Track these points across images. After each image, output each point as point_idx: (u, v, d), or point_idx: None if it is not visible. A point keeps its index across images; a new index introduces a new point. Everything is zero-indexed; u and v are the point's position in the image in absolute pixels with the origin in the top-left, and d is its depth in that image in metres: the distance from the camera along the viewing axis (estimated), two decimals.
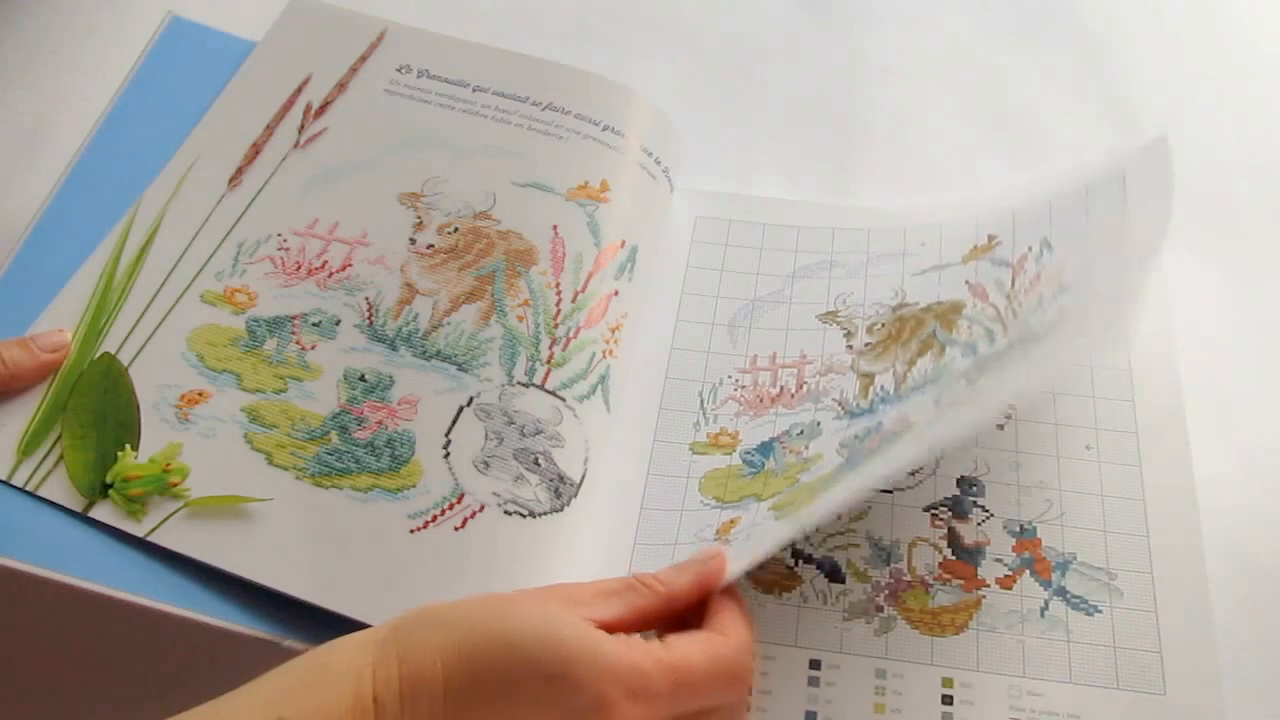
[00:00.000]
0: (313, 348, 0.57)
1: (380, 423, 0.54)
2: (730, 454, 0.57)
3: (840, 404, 0.57)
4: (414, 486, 0.53)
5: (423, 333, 0.57)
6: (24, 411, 0.53)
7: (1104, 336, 0.48)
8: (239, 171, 0.62)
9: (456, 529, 0.52)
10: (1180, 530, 0.55)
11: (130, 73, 0.63)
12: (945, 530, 0.55)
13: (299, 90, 0.65)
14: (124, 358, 0.56)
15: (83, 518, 0.51)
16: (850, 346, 0.59)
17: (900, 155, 0.71)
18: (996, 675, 0.51)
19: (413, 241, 0.60)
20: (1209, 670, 0.51)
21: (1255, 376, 0.61)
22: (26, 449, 0.53)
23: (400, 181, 0.62)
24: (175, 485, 0.52)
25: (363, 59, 0.66)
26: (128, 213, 0.60)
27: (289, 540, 0.51)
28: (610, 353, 0.58)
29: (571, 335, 0.57)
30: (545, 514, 0.53)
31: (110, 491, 0.52)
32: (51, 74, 0.73)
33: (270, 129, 0.63)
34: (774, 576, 0.54)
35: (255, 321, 0.57)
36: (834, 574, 0.54)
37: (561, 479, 0.54)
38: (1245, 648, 0.52)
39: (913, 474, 0.57)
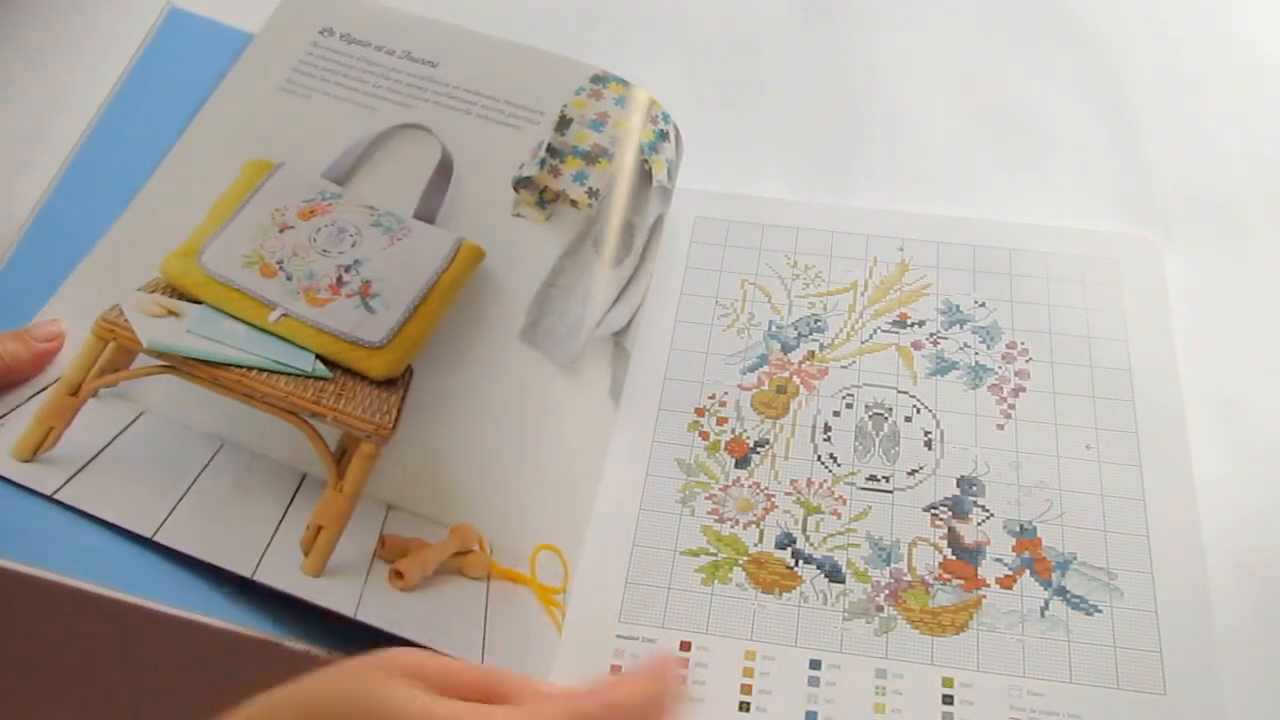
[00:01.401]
0: None
1: None
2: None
3: None
4: None
5: None
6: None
7: None
8: None
9: None
10: (1180, 530, 0.55)
11: (129, 64, 0.63)
12: (945, 530, 0.55)
13: None
14: None
15: (88, 516, 0.50)
16: None
17: (899, 156, 0.71)
18: (996, 675, 0.51)
19: None
20: (1209, 670, 0.51)
21: (1255, 376, 0.61)
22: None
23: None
24: None
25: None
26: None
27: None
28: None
29: None
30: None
31: None
32: (51, 73, 0.73)
33: None
34: (774, 576, 0.54)
35: None
36: (834, 574, 0.54)
37: None
38: (1245, 648, 0.52)
39: (912, 473, 0.57)
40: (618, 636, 0.53)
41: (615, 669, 0.51)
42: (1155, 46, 0.76)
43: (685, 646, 0.52)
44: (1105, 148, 0.71)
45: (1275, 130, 0.72)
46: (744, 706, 0.50)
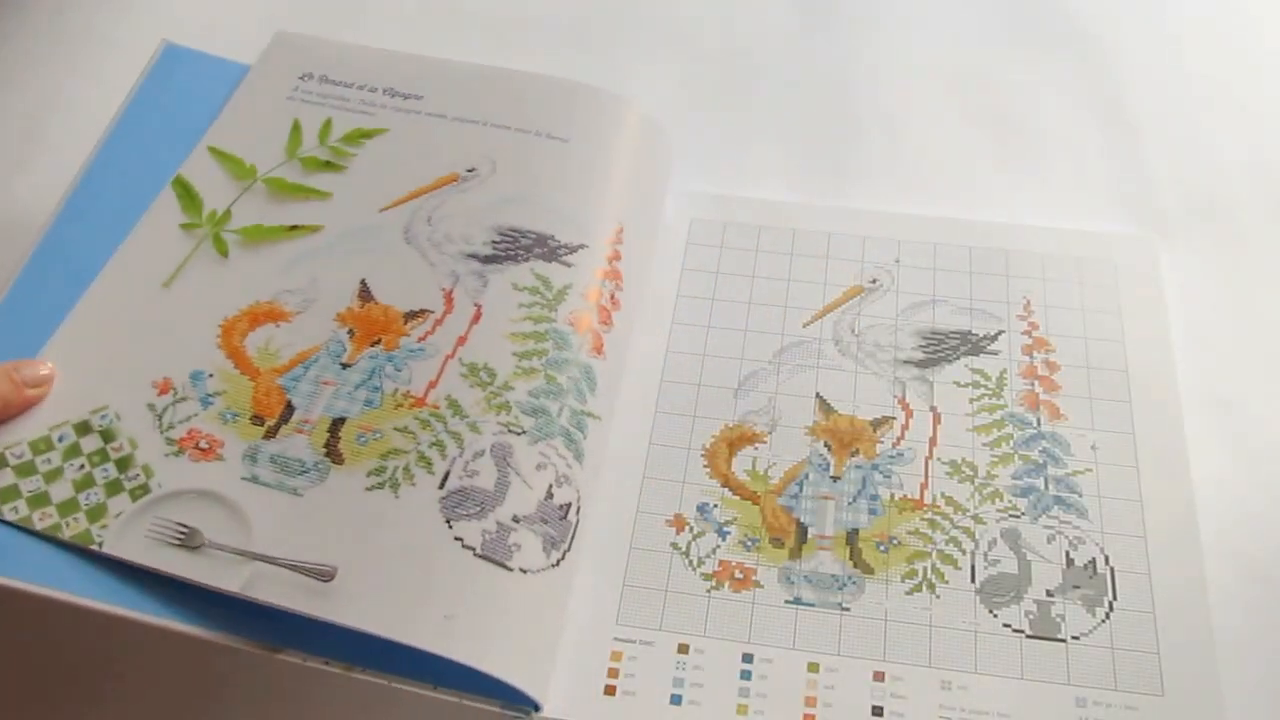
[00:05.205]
0: None
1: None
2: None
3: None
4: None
5: None
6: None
7: None
8: None
9: None
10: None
11: (126, 100, 0.63)
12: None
13: None
14: None
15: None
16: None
17: (896, 157, 0.71)
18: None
19: None
20: (1207, 671, 0.51)
21: (1254, 376, 0.60)
22: None
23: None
24: None
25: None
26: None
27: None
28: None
29: None
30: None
31: None
32: (49, 74, 0.74)
33: None
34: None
35: None
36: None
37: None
38: (1244, 648, 0.52)
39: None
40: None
41: None
42: (1153, 47, 0.76)
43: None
44: (1103, 148, 0.71)
45: (1273, 131, 0.71)
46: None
